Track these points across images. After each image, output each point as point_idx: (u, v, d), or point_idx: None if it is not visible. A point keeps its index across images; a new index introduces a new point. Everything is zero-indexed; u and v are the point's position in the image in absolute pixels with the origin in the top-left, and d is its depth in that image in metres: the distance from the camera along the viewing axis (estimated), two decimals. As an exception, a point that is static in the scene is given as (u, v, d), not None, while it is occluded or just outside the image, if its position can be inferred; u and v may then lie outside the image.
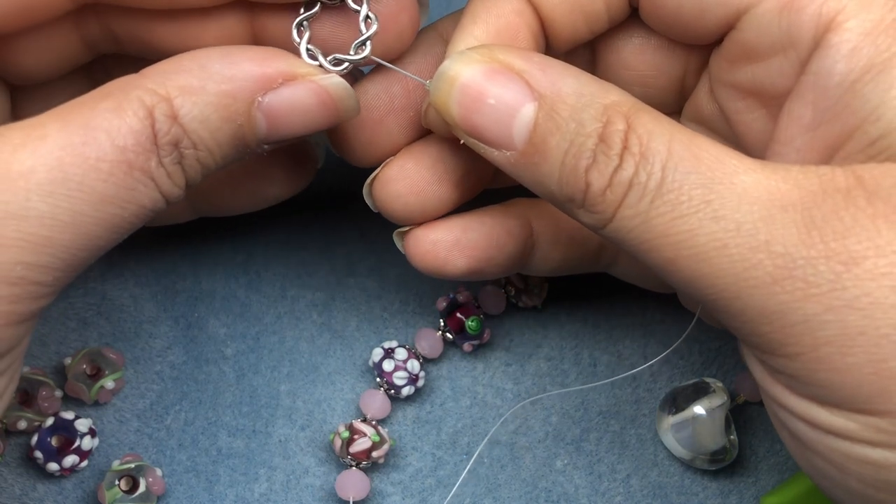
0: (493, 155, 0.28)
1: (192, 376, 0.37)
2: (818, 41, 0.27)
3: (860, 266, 0.24)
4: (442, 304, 0.38)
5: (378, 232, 0.39)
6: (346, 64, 0.30)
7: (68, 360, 0.36)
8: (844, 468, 0.26)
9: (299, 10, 0.30)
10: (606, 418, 0.37)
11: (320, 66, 0.29)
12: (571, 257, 0.35)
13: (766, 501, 0.36)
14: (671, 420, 0.36)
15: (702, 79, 0.32)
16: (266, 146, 0.29)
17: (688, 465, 0.37)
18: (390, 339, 0.37)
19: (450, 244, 0.32)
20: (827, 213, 0.25)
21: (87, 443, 0.35)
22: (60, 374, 0.36)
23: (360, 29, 0.30)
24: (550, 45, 0.31)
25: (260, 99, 0.28)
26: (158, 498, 0.35)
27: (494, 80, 0.27)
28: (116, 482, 0.34)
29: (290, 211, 0.39)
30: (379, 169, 0.32)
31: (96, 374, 0.36)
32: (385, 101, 0.31)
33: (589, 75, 0.28)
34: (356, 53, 0.30)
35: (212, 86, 0.27)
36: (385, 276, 0.39)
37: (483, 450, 0.37)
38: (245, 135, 0.28)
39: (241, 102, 0.28)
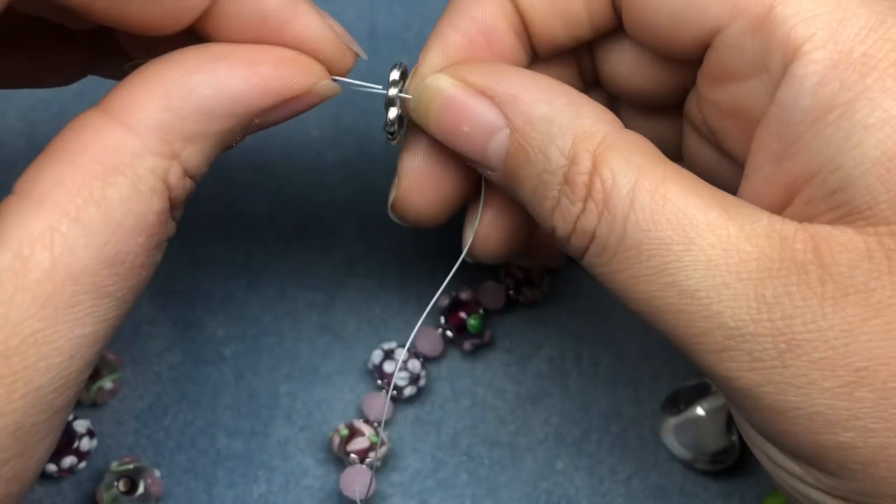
0: (479, 168, 0.28)
1: (191, 377, 0.37)
2: (786, 69, 0.26)
3: (801, 348, 0.25)
4: (443, 301, 0.38)
5: (378, 232, 0.39)
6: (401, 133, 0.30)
7: (67, 361, 0.36)
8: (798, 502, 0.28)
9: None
10: (607, 419, 0.37)
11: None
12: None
13: (768, 502, 0.36)
14: (673, 421, 0.36)
15: (691, 94, 0.31)
16: None
17: (689, 467, 0.37)
18: (390, 340, 0.37)
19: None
20: (779, 291, 0.25)
21: (85, 444, 0.34)
22: (59, 375, 0.36)
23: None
24: (535, 47, 0.30)
25: (257, 122, 0.27)
26: (157, 499, 0.35)
27: (466, 106, 0.27)
28: (115, 483, 0.34)
29: (290, 211, 0.39)
30: (394, 190, 0.31)
31: (94, 375, 0.35)
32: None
33: (568, 97, 0.27)
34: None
35: (214, 125, 0.25)
36: (385, 276, 0.39)
37: (483, 451, 0.37)
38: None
39: (243, 132, 0.26)
